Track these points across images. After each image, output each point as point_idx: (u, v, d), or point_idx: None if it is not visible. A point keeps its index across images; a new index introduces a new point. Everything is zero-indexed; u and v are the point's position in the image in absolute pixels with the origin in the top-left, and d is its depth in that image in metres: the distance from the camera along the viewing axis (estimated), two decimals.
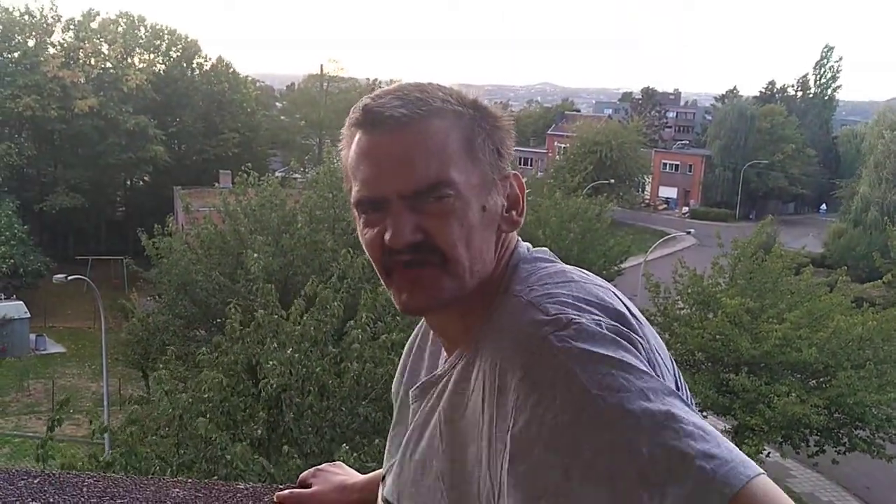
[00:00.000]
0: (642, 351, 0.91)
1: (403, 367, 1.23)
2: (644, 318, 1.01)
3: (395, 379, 1.26)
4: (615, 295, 1.00)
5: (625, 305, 0.99)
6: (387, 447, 1.21)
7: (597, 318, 0.91)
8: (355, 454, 7.28)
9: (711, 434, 0.82)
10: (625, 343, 0.89)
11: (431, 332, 1.16)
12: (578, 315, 0.90)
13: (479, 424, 0.94)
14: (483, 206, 1.00)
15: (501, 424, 0.89)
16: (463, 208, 0.98)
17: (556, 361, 0.86)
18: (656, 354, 0.96)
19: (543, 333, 0.89)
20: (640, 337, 0.94)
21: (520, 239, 1.09)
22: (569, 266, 1.05)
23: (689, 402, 0.98)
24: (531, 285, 0.98)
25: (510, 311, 0.96)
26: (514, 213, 1.05)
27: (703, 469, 0.78)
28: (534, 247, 1.10)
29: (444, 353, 1.10)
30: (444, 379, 1.04)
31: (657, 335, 1.02)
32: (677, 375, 1.03)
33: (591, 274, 1.04)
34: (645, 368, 0.87)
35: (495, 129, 1.04)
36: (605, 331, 0.89)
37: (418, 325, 1.23)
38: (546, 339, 0.88)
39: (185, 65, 47.75)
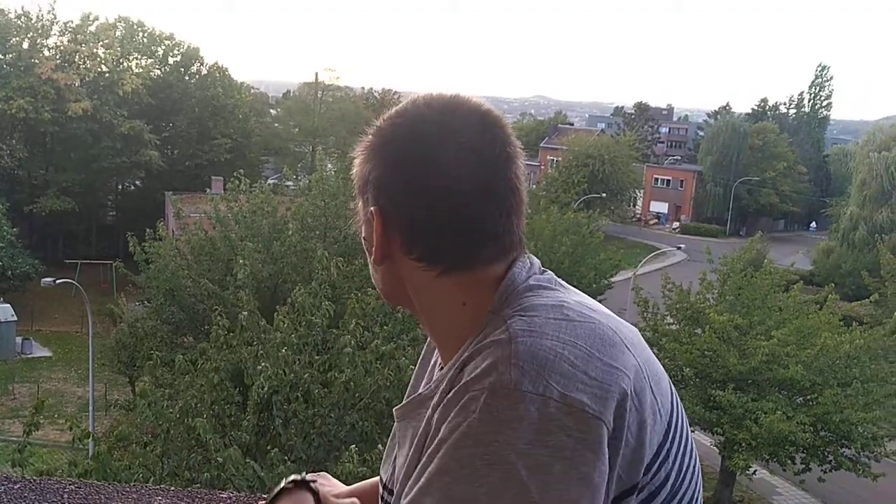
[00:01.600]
0: (596, 435, 0.87)
1: (414, 376, 1.27)
2: (647, 357, 0.99)
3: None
4: (613, 335, 0.96)
5: (625, 347, 0.95)
6: (385, 454, 1.22)
7: (550, 387, 0.87)
8: (341, 462, 7.24)
9: None
10: (558, 434, 0.86)
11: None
12: (531, 385, 0.87)
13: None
14: (363, 237, 1.09)
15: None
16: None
17: (468, 413, 0.89)
18: (633, 426, 0.91)
19: (487, 384, 0.90)
20: (613, 417, 0.89)
21: (526, 257, 1.05)
22: (570, 299, 1.01)
23: (678, 449, 0.99)
24: (521, 314, 0.96)
25: (492, 336, 0.95)
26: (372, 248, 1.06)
27: None
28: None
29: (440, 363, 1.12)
30: (432, 394, 1.03)
31: (660, 376, 1.00)
32: (674, 419, 1.00)
33: (590, 308, 1.00)
34: (544, 481, 0.84)
35: (370, 162, 1.06)
36: (542, 415, 0.86)
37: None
38: (482, 391, 0.89)
39: (181, 71, 47.69)
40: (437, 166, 0.99)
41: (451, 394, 0.93)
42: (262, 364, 8.35)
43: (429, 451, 0.93)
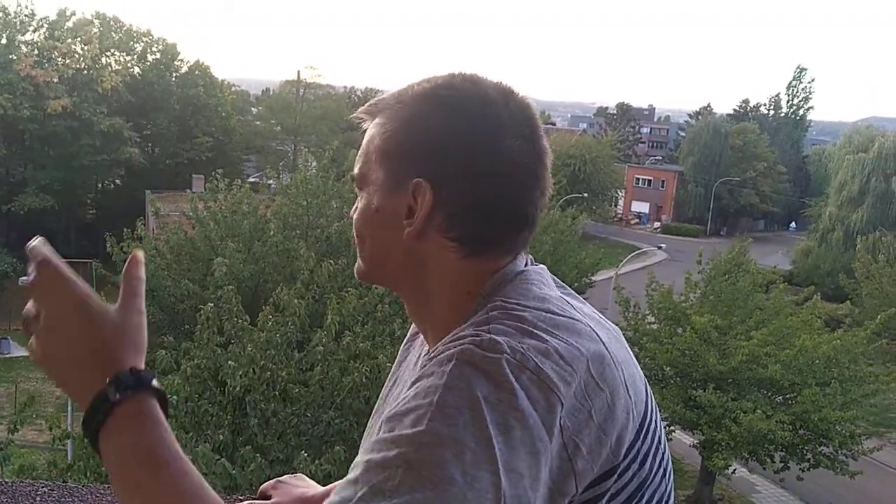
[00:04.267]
0: (556, 412, 0.86)
1: (393, 367, 1.27)
2: (623, 358, 0.99)
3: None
4: (591, 333, 0.96)
5: (602, 344, 0.95)
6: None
7: (526, 354, 0.88)
8: (317, 461, 7.22)
9: None
10: (522, 398, 0.85)
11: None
12: (507, 347, 0.88)
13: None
14: (376, 207, 1.03)
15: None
16: (365, 205, 1.05)
17: (441, 368, 0.87)
18: (596, 414, 0.91)
19: (463, 343, 0.89)
20: (575, 399, 0.89)
21: (523, 253, 1.05)
22: (554, 295, 1.01)
23: (651, 447, 0.98)
24: (504, 301, 0.97)
25: (475, 322, 0.95)
26: (406, 221, 1.01)
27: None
28: None
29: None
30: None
31: (635, 377, 1.00)
32: (648, 420, 1.00)
33: (573, 306, 1.01)
34: (509, 443, 0.83)
35: (418, 129, 1.01)
36: (514, 377, 0.86)
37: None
38: (458, 348, 0.89)
39: (162, 68, 47.31)
40: (498, 149, 0.99)
41: (428, 356, 0.94)
42: (231, 363, 8.31)
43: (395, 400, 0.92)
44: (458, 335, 0.92)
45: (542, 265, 1.08)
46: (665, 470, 1.03)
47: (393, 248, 1.03)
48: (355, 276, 1.13)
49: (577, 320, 0.97)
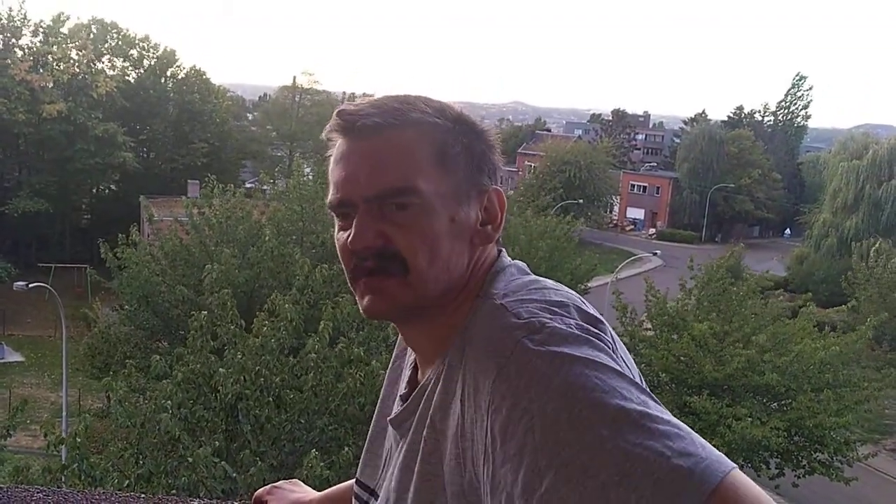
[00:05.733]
0: (612, 352, 0.92)
1: (387, 381, 1.26)
2: (610, 328, 1.03)
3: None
4: (585, 302, 1.01)
5: (596, 311, 1.01)
6: (364, 451, 1.21)
7: (567, 320, 0.92)
8: (322, 463, 7.21)
9: (686, 432, 0.82)
10: (597, 342, 0.90)
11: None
12: (550, 319, 0.92)
13: (455, 425, 0.95)
14: (452, 217, 1.01)
15: (478, 425, 0.90)
16: (428, 217, 1.00)
17: (531, 365, 0.87)
18: (623, 361, 0.95)
19: (516, 337, 0.90)
20: (609, 341, 0.94)
21: (503, 250, 1.10)
22: (542, 277, 1.07)
23: None
24: (506, 292, 1.00)
25: (485, 316, 0.97)
26: (489, 227, 1.06)
27: (679, 467, 0.78)
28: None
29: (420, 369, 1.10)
30: (428, 389, 1.03)
31: (622, 343, 1.03)
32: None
33: (562, 285, 1.06)
34: (617, 368, 0.88)
35: (476, 142, 1.06)
36: (577, 331, 0.91)
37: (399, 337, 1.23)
38: (519, 343, 0.89)
39: (158, 73, 47.31)
40: (499, 153, 1.12)
41: (489, 378, 0.90)
42: (222, 370, 8.29)
43: (505, 433, 0.86)
44: (487, 336, 0.94)
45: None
46: None
47: (464, 259, 1.04)
48: (399, 308, 1.03)
49: (574, 296, 1.03)
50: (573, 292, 1.03)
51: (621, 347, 1.00)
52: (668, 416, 0.84)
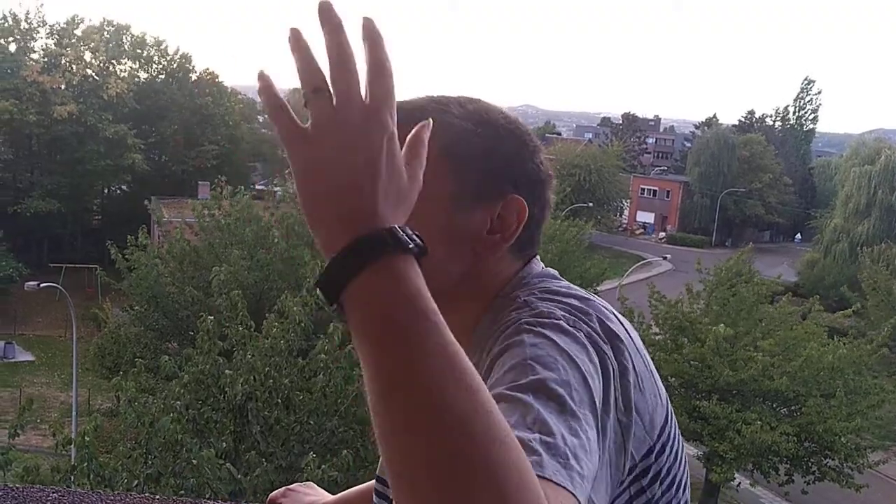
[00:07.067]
0: (611, 369, 0.89)
1: None
2: (641, 345, 1.01)
3: None
4: (614, 316, 0.99)
5: (623, 327, 0.98)
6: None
7: (582, 325, 0.91)
8: (323, 466, 7.21)
9: (575, 453, 0.75)
10: (591, 350, 0.88)
11: None
12: (565, 316, 0.92)
13: None
14: (448, 218, 1.00)
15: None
16: (421, 214, 0.95)
17: (518, 336, 0.88)
18: (637, 380, 0.94)
19: (522, 317, 0.91)
20: (614, 362, 0.91)
21: (535, 258, 1.09)
22: (574, 287, 1.06)
23: (674, 434, 1.00)
24: (532, 291, 1.00)
25: (500, 309, 0.98)
26: (498, 235, 1.02)
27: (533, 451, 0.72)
28: None
29: None
30: None
31: (649, 363, 1.01)
32: (670, 409, 1.02)
33: (596, 297, 1.05)
34: (588, 377, 0.84)
35: (502, 147, 1.04)
36: (582, 335, 0.89)
37: None
38: (521, 320, 0.91)
39: (170, 76, 47.45)
40: (540, 166, 1.08)
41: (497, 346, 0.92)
42: (228, 371, 8.30)
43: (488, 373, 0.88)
44: (505, 324, 0.94)
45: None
46: (684, 455, 1.05)
47: (455, 266, 1.02)
48: None
49: (602, 303, 1.01)
50: (608, 306, 1.01)
51: (648, 365, 0.98)
52: (580, 435, 0.77)
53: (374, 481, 1.24)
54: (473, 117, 1.04)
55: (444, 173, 0.99)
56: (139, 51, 47.04)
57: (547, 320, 0.90)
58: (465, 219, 1.01)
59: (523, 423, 0.75)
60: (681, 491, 1.01)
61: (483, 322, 1.00)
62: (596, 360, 0.88)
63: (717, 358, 16.60)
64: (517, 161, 1.05)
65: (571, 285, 1.04)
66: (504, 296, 1.02)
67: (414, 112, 0.99)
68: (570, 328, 0.89)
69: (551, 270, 1.09)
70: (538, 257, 1.10)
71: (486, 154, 1.02)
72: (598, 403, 0.84)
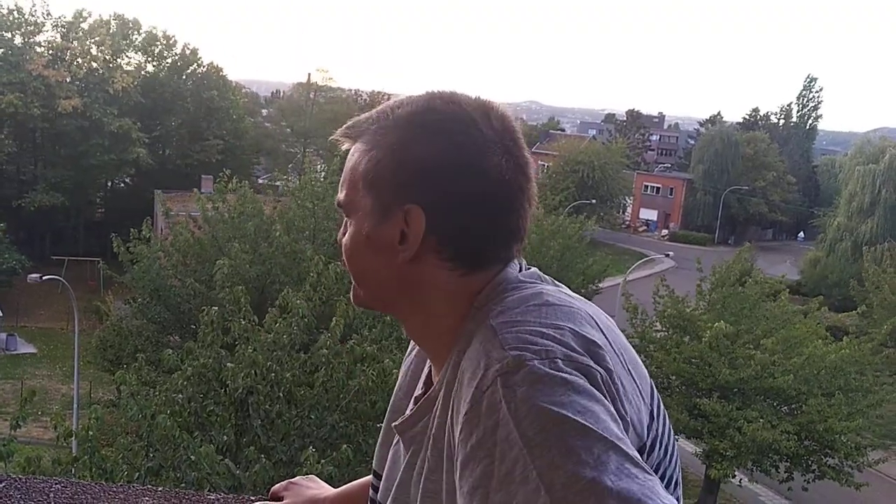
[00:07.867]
0: (598, 388, 0.88)
1: (399, 386, 1.25)
2: (622, 343, 1.00)
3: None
4: (590, 318, 0.98)
5: (600, 330, 0.97)
6: (378, 444, 1.22)
7: (554, 350, 0.89)
8: (322, 461, 7.23)
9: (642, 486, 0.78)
10: (576, 382, 0.86)
11: None
12: (534, 353, 0.88)
13: (447, 447, 0.96)
14: (367, 234, 1.03)
15: (454, 455, 0.91)
16: (356, 231, 1.05)
17: (500, 407, 0.85)
18: (621, 383, 0.93)
19: (494, 374, 0.88)
20: (599, 373, 0.90)
21: (515, 260, 1.06)
22: (550, 287, 1.03)
23: (662, 430, 0.99)
24: (503, 308, 0.97)
25: (477, 336, 0.96)
26: (400, 246, 1.01)
27: None
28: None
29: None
30: (435, 401, 1.03)
31: (637, 362, 1.01)
32: (656, 404, 1.01)
33: (569, 294, 1.03)
34: (583, 423, 0.83)
35: (411, 155, 1.01)
36: (557, 370, 0.87)
37: None
38: (495, 381, 0.87)
39: (177, 70, 47.41)
40: (485, 170, 0.99)
41: (463, 408, 0.90)
42: (230, 364, 8.32)
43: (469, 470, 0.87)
44: (477, 365, 0.91)
45: (533, 268, 1.09)
46: (674, 451, 1.04)
47: (388, 274, 1.04)
48: (352, 302, 1.13)
49: (576, 306, 0.99)
50: (578, 307, 0.99)
51: (627, 363, 0.97)
52: (629, 470, 0.80)
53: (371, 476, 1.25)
54: (400, 123, 1.03)
55: (365, 192, 1.03)
56: (147, 45, 47.00)
57: (517, 376, 0.86)
58: (379, 231, 1.02)
59: None
60: (671, 487, 1.01)
61: (464, 343, 0.98)
62: (581, 386, 0.86)
63: (716, 355, 16.60)
64: (432, 171, 1.00)
65: (543, 290, 1.01)
66: (479, 307, 1.00)
67: (356, 126, 1.08)
68: (545, 371, 0.86)
69: (528, 273, 1.06)
70: (516, 261, 1.06)
71: (399, 166, 1.01)
72: (613, 434, 0.84)
